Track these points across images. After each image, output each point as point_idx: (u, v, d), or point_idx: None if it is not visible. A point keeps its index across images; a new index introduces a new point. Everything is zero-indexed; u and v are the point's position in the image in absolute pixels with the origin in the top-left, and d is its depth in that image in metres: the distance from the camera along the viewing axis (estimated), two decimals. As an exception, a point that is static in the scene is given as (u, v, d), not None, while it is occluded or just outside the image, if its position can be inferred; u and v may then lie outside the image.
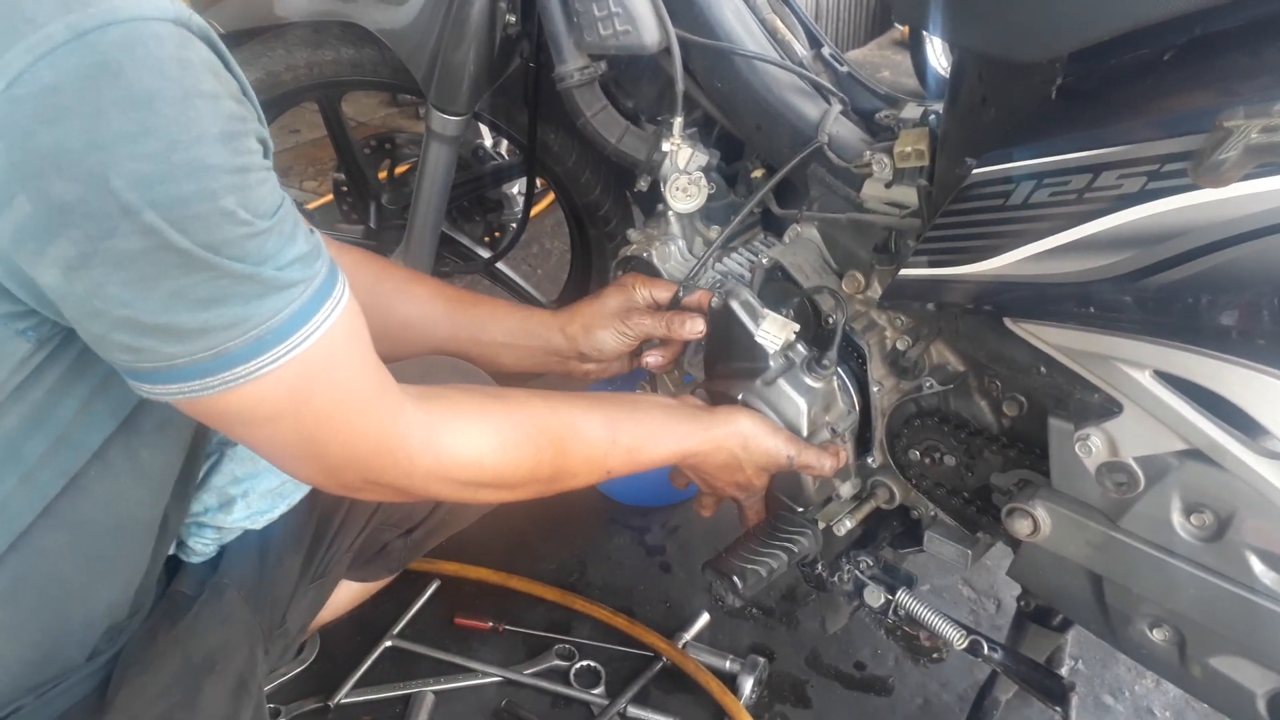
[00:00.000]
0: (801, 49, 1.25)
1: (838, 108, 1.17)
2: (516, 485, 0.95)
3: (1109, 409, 0.89)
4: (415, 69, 1.37)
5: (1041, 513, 1.00)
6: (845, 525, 1.20)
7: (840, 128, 1.16)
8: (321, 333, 0.73)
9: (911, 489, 1.20)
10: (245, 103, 0.67)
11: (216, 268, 0.65)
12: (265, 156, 0.70)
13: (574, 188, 1.61)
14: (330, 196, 1.75)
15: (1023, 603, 1.18)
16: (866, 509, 1.22)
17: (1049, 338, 0.88)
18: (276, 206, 0.69)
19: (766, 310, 1.14)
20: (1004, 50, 0.81)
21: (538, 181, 1.62)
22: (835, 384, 1.15)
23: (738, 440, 1.09)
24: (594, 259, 1.71)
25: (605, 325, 1.22)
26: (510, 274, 1.85)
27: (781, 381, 1.13)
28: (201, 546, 1.04)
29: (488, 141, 1.77)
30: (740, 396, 1.14)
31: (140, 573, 0.93)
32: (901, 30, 4.32)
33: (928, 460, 1.15)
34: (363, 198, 1.75)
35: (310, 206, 2.99)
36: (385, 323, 1.17)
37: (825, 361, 1.12)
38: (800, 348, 1.13)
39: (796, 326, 1.13)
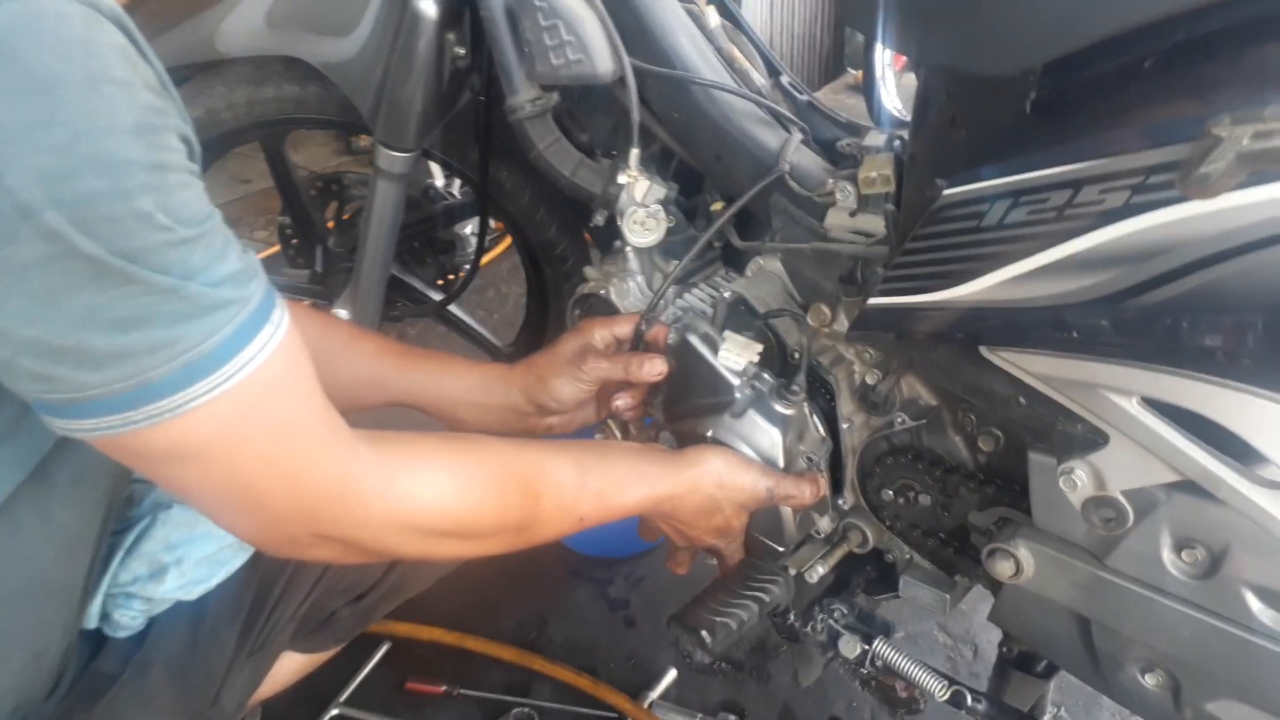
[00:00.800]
0: (760, 78, 1.22)
1: (798, 136, 1.14)
2: (483, 535, 0.87)
3: (1094, 440, 0.84)
4: (360, 104, 1.32)
5: (1024, 553, 0.95)
6: (817, 571, 1.14)
7: (801, 156, 1.12)
8: (259, 361, 0.66)
9: (885, 531, 1.15)
10: (165, 96, 0.61)
11: (135, 280, 0.58)
12: (190, 159, 0.63)
13: (529, 226, 1.56)
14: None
15: (1005, 648, 1.12)
16: (839, 553, 1.16)
17: (1029, 366, 0.84)
18: (204, 216, 0.62)
19: (727, 332, 1.09)
20: (973, 64, 0.77)
21: (492, 222, 1.57)
22: (807, 410, 1.09)
23: (712, 479, 1.02)
24: (551, 300, 1.66)
25: (560, 373, 1.15)
26: (464, 317, 1.79)
27: (752, 412, 1.08)
28: (128, 619, 0.95)
29: (439, 181, 1.72)
30: (710, 433, 1.08)
31: (52, 646, 0.84)
32: (855, 75, 4.36)
33: (901, 500, 1.09)
34: (309, 241, 1.69)
35: (260, 256, 2.92)
36: (333, 380, 1.08)
37: (795, 387, 1.07)
38: (766, 376, 1.08)
39: (759, 347, 1.08)
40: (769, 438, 1.08)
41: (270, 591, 1.05)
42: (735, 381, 1.08)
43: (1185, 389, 0.74)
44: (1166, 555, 0.87)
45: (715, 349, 1.09)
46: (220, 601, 0.99)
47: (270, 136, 1.56)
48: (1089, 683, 1.01)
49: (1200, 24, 0.65)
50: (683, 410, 1.14)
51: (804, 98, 1.22)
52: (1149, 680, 0.93)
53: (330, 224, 1.70)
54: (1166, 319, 0.71)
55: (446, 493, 0.82)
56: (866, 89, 3.81)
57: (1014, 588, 0.98)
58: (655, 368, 1.12)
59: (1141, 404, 0.78)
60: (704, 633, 0.95)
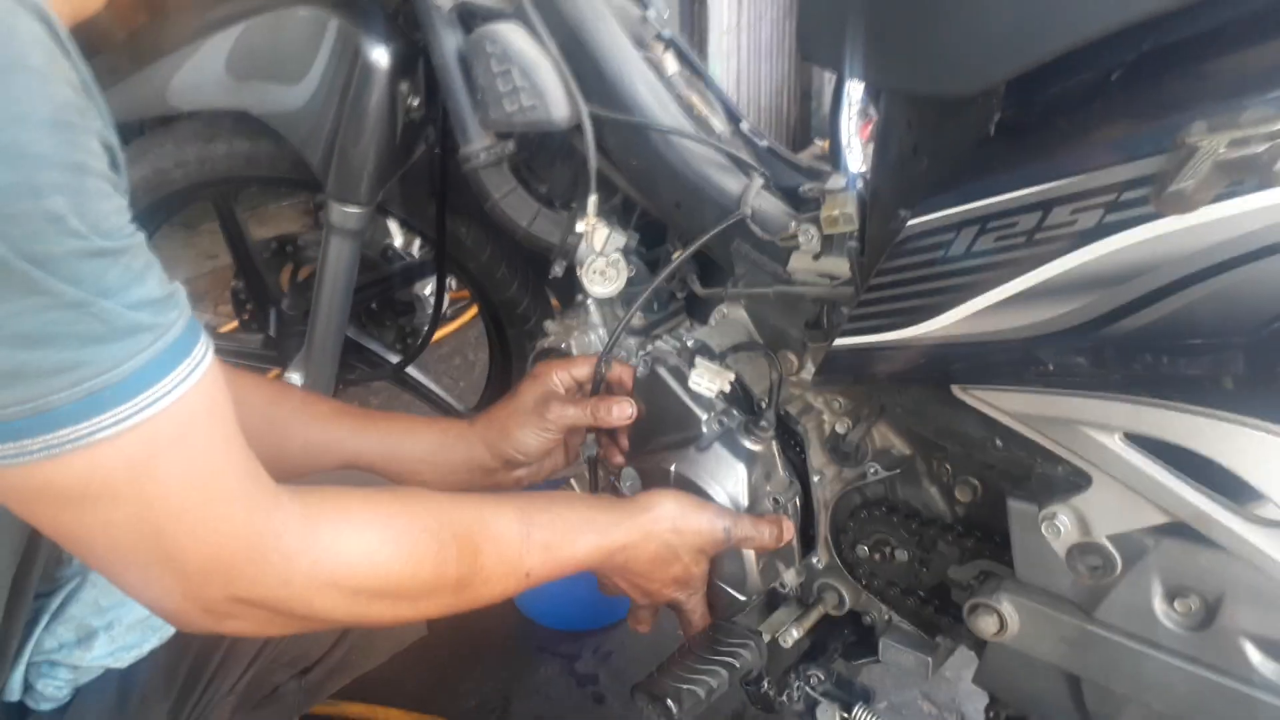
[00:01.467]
0: (720, 125, 1.19)
1: (759, 181, 1.10)
2: (419, 594, 0.79)
3: (1076, 483, 0.80)
4: (311, 157, 1.28)
5: (1007, 608, 0.89)
6: (792, 635, 1.08)
7: (763, 201, 1.09)
8: (176, 396, 0.60)
9: (862, 591, 1.09)
10: (88, 98, 0.56)
11: (41, 290, 0.53)
12: (114, 169, 0.58)
13: (489, 284, 1.52)
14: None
15: (992, 714, 1.05)
16: (814, 616, 1.10)
17: (1003, 404, 0.79)
18: (124, 231, 0.58)
19: (698, 359, 1.05)
20: (933, 86, 0.74)
21: (453, 283, 1.53)
22: (775, 449, 1.04)
23: (666, 524, 0.96)
24: (514, 361, 1.61)
25: (524, 424, 1.09)
26: (423, 380, 1.73)
27: (718, 446, 1.03)
28: (53, 690, 0.88)
29: (397, 241, 1.68)
30: (673, 467, 1.03)
31: None
32: (822, 145, 4.39)
33: (877, 556, 1.04)
34: (262, 305, 1.64)
35: (223, 330, 2.87)
36: (284, 447, 1.03)
37: (764, 423, 1.02)
38: (735, 412, 1.03)
39: (731, 375, 1.03)
40: (735, 473, 1.03)
41: (207, 661, 0.97)
42: (702, 415, 1.04)
43: (1170, 422, 0.70)
44: (1158, 605, 0.81)
45: (684, 382, 1.04)
46: (151, 671, 0.91)
47: (221, 196, 1.52)
48: (1083, 748, 0.95)
49: (1167, 31, 0.63)
50: (648, 447, 1.09)
51: (764, 144, 1.19)
52: (1146, 743, 0.87)
53: (285, 287, 1.65)
54: (1147, 346, 0.67)
55: (376, 547, 0.75)
56: (832, 154, 3.82)
57: (999, 646, 0.92)
58: (623, 411, 1.07)
59: (1124, 440, 0.74)
60: (670, 702, 0.88)
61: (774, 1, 4.52)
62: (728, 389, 1.04)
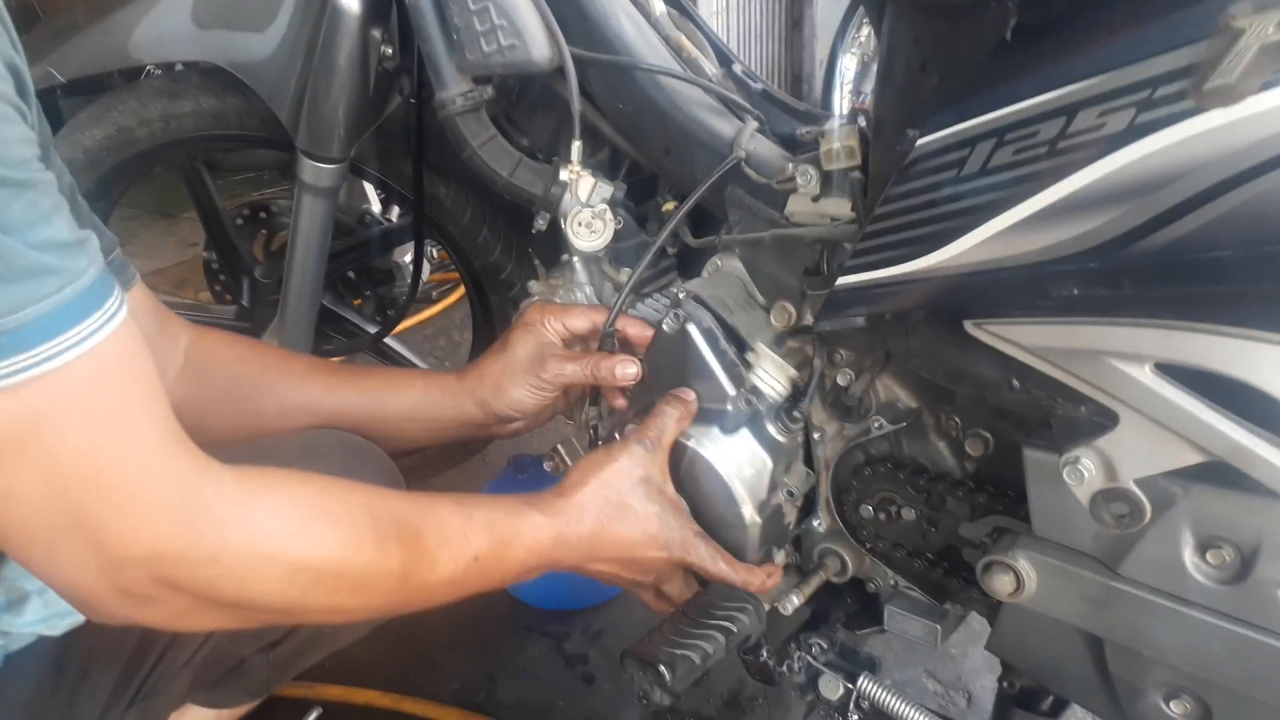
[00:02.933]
0: (711, 67, 1.13)
1: (754, 124, 1.04)
2: (362, 579, 0.73)
3: (1101, 423, 0.73)
4: (279, 109, 1.22)
5: (1024, 565, 0.83)
6: (792, 602, 1.02)
7: (758, 144, 1.03)
8: (86, 348, 0.56)
9: (866, 555, 1.03)
10: (3, 29, 0.54)
11: None
12: (20, 95, 0.54)
13: (471, 248, 1.45)
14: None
15: (1005, 683, 0.99)
16: (815, 583, 1.04)
17: (1022, 338, 0.73)
18: (28, 163, 0.54)
19: (759, 344, 0.97)
20: (945, -12, 0.68)
21: (436, 252, 1.47)
22: (800, 440, 0.98)
23: (595, 481, 0.90)
24: (498, 329, 1.54)
25: (518, 382, 1.03)
26: (403, 351, 1.67)
27: (746, 432, 0.96)
28: None
29: (375, 206, 1.61)
30: (692, 444, 0.96)
31: None
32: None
33: (882, 516, 0.97)
34: (235, 274, 1.57)
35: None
36: (258, 407, 0.96)
37: (796, 414, 0.96)
38: (766, 394, 0.97)
39: (794, 371, 0.97)
40: (758, 463, 0.97)
41: (159, 630, 0.89)
42: (732, 391, 0.97)
43: (1207, 347, 0.64)
44: (1189, 558, 0.75)
45: (717, 346, 0.97)
46: (93, 639, 0.84)
47: (188, 158, 1.45)
48: (1103, 716, 0.89)
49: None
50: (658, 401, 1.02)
51: (758, 87, 1.13)
52: (1175, 708, 0.81)
53: (259, 256, 1.58)
54: (1183, 261, 0.61)
55: (313, 521, 0.69)
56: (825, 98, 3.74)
57: (1014, 608, 0.86)
58: (627, 371, 1.00)
59: (1155, 371, 0.67)
60: (663, 668, 0.82)
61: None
62: (789, 387, 0.96)
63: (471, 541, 0.80)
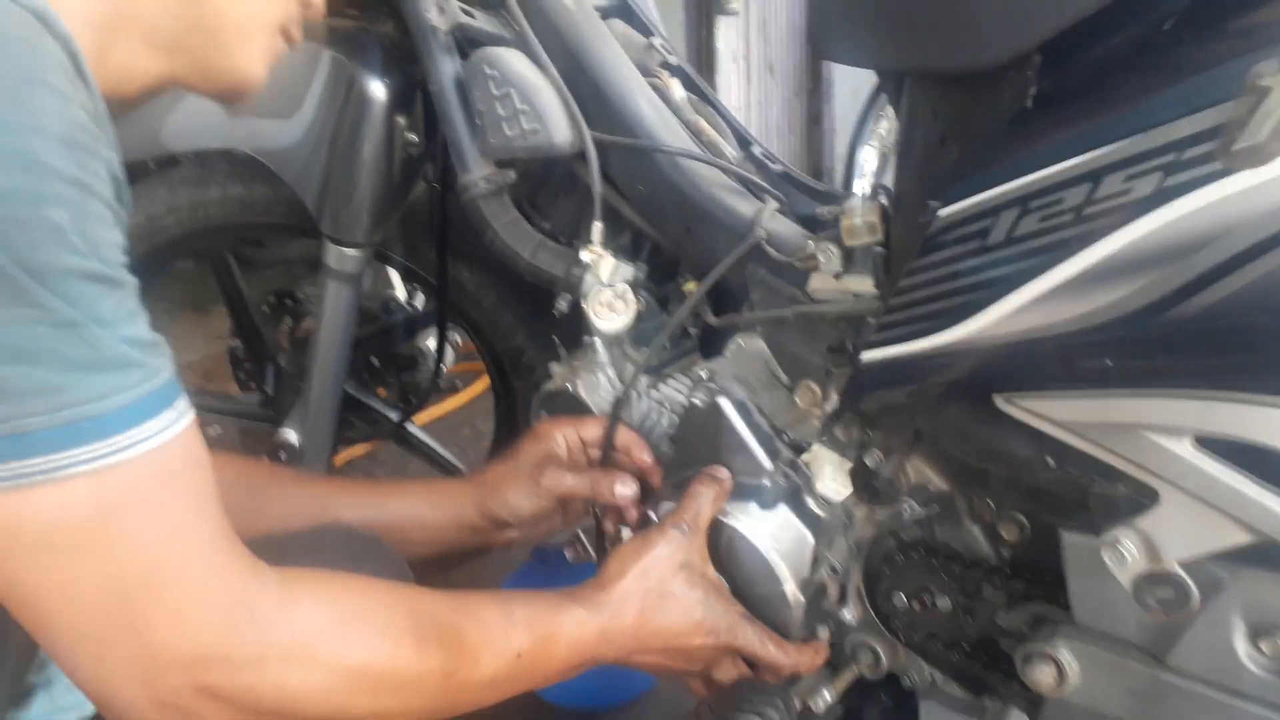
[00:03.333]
0: (731, 150, 1.13)
1: (774, 205, 1.04)
2: (404, 680, 0.70)
3: (1141, 501, 0.70)
4: (305, 194, 1.23)
5: (1066, 656, 0.79)
6: (824, 699, 0.97)
7: (778, 224, 1.02)
8: (158, 443, 0.57)
9: (900, 647, 0.98)
10: (101, 128, 0.56)
11: (33, 301, 0.51)
12: (118, 202, 0.57)
13: (494, 333, 1.44)
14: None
15: (1050, 785, 0.93)
16: (847, 678, 0.99)
17: (1054, 413, 0.70)
18: (121, 266, 0.57)
19: (818, 445, 0.94)
20: (961, 59, 0.68)
21: (460, 340, 1.46)
22: (842, 514, 0.96)
23: (634, 570, 0.87)
24: (520, 417, 1.52)
25: (516, 486, 1.03)
26: (425, 439, 1.65)
27: (785, 508, 0.94)
28: None
29: (400, 293, 1.62)
30: (728, 521, 0.93)
31: None
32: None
33: (916, 605, 0.93)
34: (260, 362, 1.57)
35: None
36: (259, 521, 0.95)
37: (840, 489, 0.94)
38: (804, 469, 0.95)
39: (850, 464, 0.94)
40: (799, 539, 0.94)
41: None
42: (768, 465, 0.94)
43: (1249, 417, 0.61)
44: (1241, 647, 0.71)
45: (750, 419, 0.96)
46: None
47: (215, 247, 1.47)
48: (1158, 821, 0.83)
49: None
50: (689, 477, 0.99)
51: (778, 168, 1.13)
52: (1232, 811, 0.75)
53: (284, 345, 1.59)
54: (1219, 328, 0.59)
55: (351, 621, 0.68)
56: (848, 179, 3.76)
57: (1058, 703, 0.82)
58: (626, 490, 0.99)
59: (1196, 445, 0.65)
60: (685, 767, 0.78)
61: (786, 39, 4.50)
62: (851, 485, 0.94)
63: (513, 639, 0.77)
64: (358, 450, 2.29)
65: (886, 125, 1.26)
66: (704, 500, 0.93)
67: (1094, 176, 0.60)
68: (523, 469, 1.03)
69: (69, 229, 0.52)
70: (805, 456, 0.94)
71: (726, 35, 3.94)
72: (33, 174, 0.51)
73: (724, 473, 0.95)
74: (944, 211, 0.70)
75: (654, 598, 0.87)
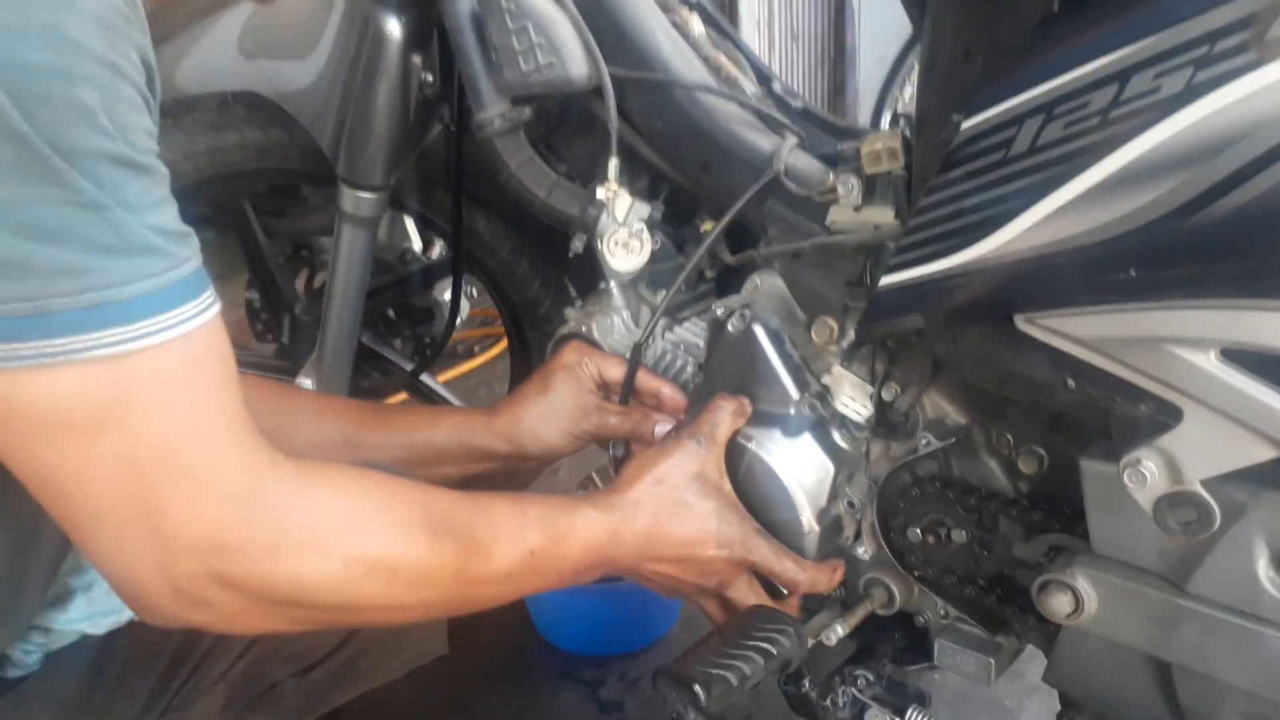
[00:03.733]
0: (750, 86, 1.12)
1: (793, 140, 1.02)
2: (417, 573, 0.71)
3: (1163, 421, 0.69)
4: (320, 136, 1.22)
5: (1083, 584, 0.78)
6: (836, 633, 0.96)
7: (798, 159, 1.01)
8: (181, 331, 0.57)
9: (914, 584, 0.97)
10: (134, 11, 0.55)
11: (61, 181, 0.50)
12: (149, 89, 0.57)
13: (510, 283, 1.44)
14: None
15: (1066, 721, 0.93)
16: (860, 614, 0.99)
17: (1077, 330, 0.69)
18: (151, 152, 0.56)
19: (838, 367, 0.93)
20: (988, -35, 0.66)
21: (475, 291, 1.46)
22: (865, 450, 0.95)
23: (649, 479, 0.87)
24: (535, 366, 1.52)
25: (557, 430, 1.03)
26: (439, 389, 1.65)
27: (809, 437, 0.93)
28: (22, 655, 0.81)
29: (416, 244, 1.61)
30: (753, 446, 0.93)
31: None
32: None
33: (931, 539, 0.93)
34: (276, 311, 1.57)
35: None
36: (293, 445, 0.97)
37: (863, 422, 0.93)
38: (829, 400, 0.94)
39: (871, 389, 0.93)
40: (820, 470, 0.94)
41: (198, 640, 0.89)
42: (796, 395, 0.94)
43: (1278, 326, 0.59)
44: (1264, 571, 0.70)
45: (782, 348, 0.95)
46: (132, 642, 0.84)
47: (233, 193, 1.47)
48: (1175, 754, 0.82)
49: None
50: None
51: (798, 104, 1.12)
52: (1253, 741, 0.75)
53: (301, 294, 1.59)
54: (1248, 230, 0.57)
55: (368, 513, 0.69)
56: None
57: (1073, 632, 0.81)
58: (667, 429, 1.00)
59: (1221, 358, 0.63)
60: (698, 688, 0.77)
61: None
62: (873, 407, 0.93)
63: (526, 536, 0.78)
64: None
65: (910, 92, 1.25)
66: (723, 414, 0.93)
67: (1122, 76, 0.59)
68: (561, 409, 1.03)
69: (98, 110, 0.51)
70: (825, 378, 0.93)
71: (749, 2, 3.90)
72: (64, 51, 0.50)
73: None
74: (966, 124, 0.69)
75: (667, 504, 0.87)
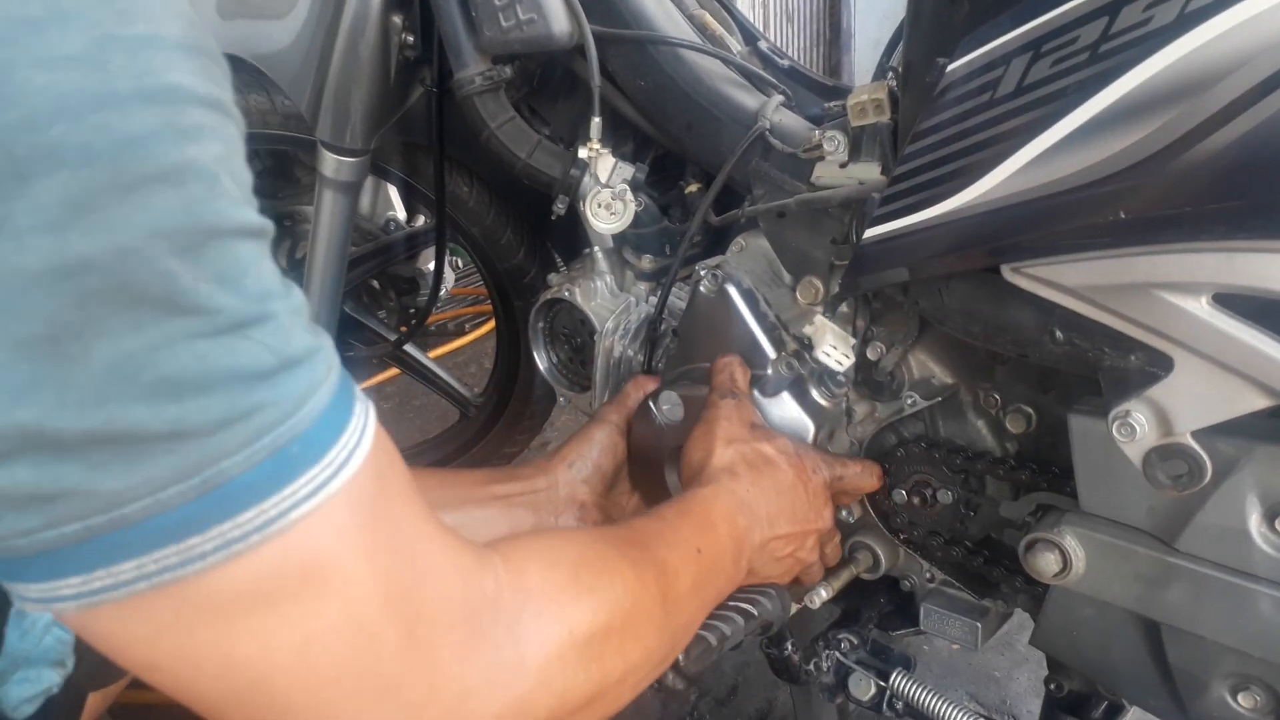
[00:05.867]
0: (736, 44, 1.10)
1: (779, 98, 1.00)
2: (632, 617, 0.61)
3: (1153, 372, 0.67)
4: (299, 99, 1.20)
5: (1071, 542, 0.77)
6: (820, 596, 0.95)
7: (783, 116, 0.99)
8: (368, 445, 0.44)
9: (900, 547, 0.96)
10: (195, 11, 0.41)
11: (188, 304, 0.37)
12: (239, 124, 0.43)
13: (494, 251, 1.42)
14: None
15: (1053, 686, 0.91)
16: (844, 577, 0.97)
17: (1065, 278, 0.67)
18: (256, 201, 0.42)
19: (820, 317, 0.91)
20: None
21: (457, 261, 1.44)
22: (845, 407, 0.94)
23: (733, 457, 0.84)
24: (522, 338, 1.50)
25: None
26: (423, 359, 1.63)
27: (787, 396, 0.92)
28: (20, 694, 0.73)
29: (400, 214, 1.59)
30: None
31: None
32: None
33: (917, 501, 0.91)
34: (258, 282, 1.55)
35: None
36: None
37: (841, 377, 0.91)
38: (807, 356, 0.92)
39: (854, 341, 0.91)
40: (799, 428, 0.93)
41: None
42: (772, 354, 0.93)
43: (1271, 269, 0.58)
44: (1255, 527, 0.69)
45: (757, 308, 0.94)
46: None
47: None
48: (1163, 715, 0.81)
49: None
50: (698, 371, 0.97)
51: (785, 63, 1.10)
52: (1243, 702, 0.73)
53: (282, 263, 1.56)
54: (1239, 167, 0.56)
55: (576, 570, 0.58)
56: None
57: (1061, 592, 0.79)
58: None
59: (1213, 304, 0.62)
60: (676, 649, 0.76)
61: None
62: (856, 357, 0.90)
63: (682, 535, 0.73)
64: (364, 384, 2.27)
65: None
66: (734, 367, 0.92)
67: (1112, 9, 0.57)
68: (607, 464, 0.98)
69: (220, 172, 0.38)
70: (807, 328, 0.91)
71: (745, -18, 3.88)
72: (166, 104, 0.36)
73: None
74: (951, 66, 0.67)
75: (751, 458, 0.85)
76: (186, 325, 0.37)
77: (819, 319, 0.90)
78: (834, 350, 0.89)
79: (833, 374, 0.91)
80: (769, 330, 0.93)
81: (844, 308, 0.91)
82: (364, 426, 0.44)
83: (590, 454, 0.97)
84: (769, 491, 0.83)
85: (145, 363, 0.36)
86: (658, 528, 0.73)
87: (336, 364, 0.44)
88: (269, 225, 0.42)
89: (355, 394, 0.45)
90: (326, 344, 0.43)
